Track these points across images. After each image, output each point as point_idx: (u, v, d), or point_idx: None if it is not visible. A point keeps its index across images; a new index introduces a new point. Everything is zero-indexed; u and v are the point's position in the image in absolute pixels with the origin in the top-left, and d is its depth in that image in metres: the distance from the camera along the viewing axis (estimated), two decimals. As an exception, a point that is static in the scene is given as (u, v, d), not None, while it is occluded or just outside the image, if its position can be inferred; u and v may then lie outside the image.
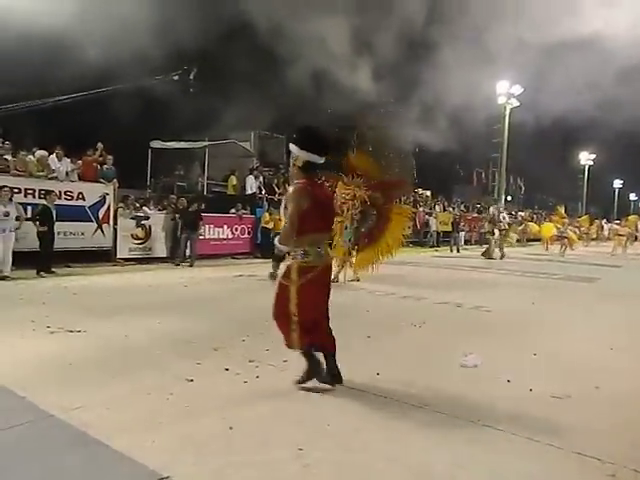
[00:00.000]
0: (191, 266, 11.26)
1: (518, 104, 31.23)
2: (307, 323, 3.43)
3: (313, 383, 3.48)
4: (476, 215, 27.12)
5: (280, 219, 14.35)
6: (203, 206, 12.48)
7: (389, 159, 9.57)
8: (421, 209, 23.51)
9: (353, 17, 19.89)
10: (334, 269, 9.24)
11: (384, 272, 10.79)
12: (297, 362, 4.01)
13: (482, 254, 16.64)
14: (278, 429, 2.82)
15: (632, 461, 2.57)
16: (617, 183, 56.04)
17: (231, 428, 2.78)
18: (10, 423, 2.77)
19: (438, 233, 22.31)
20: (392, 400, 3.29)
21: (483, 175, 44.04)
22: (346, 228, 9.33)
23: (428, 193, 30.76)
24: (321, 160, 3.44)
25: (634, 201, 60.84)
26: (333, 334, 3.62)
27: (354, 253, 9.54)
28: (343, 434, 2.78)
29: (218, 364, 3.96)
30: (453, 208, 25.44)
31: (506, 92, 30.87)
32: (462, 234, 20.53)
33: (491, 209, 21.73)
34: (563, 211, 22.47)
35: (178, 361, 3.99)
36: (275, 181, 17.24)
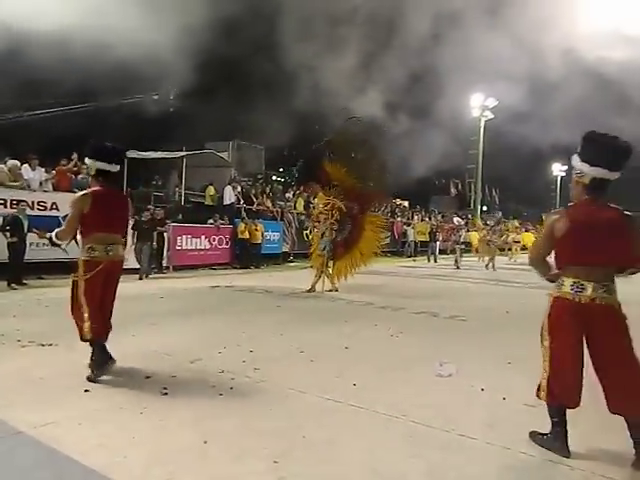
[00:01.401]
0: (141, 279, 10.62)
1: (492, 117, 31.97)
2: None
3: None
4: (452, 225, 27.49)
5: (257, 229, 14.37)
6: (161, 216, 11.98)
7: (364, 169, 9.65)
8: (399, 219, 23.75)
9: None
10: (312, 279, 9.30)
11: (363, 282, 10.86)
12: (275, 374, 4.01)
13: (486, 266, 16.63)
14: (253, 442, 2.80)
15: (601, 467, 2.63)
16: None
17: (205, 442, 2.75)
18: (-23, 441, 2.70)
19: (416, 243, 22.54)
20: (368, 411, 3.30)
21: (460, 186, 44.76)
22: (322, 237, 9.44)
23: (406, 203, 31.12)
24: (115, 168, 3.84)
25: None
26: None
27: (330, 263, 9.61)
28: (319, 446, 2.78)
29: (193, 377, 3.92)
30: (430, 218, 25.72)
31: (480, 105, 31.57)
32: (437, 244, 20.76)
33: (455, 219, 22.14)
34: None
35: (152, 374, 3.92)
36: (253, 191, 17.22)
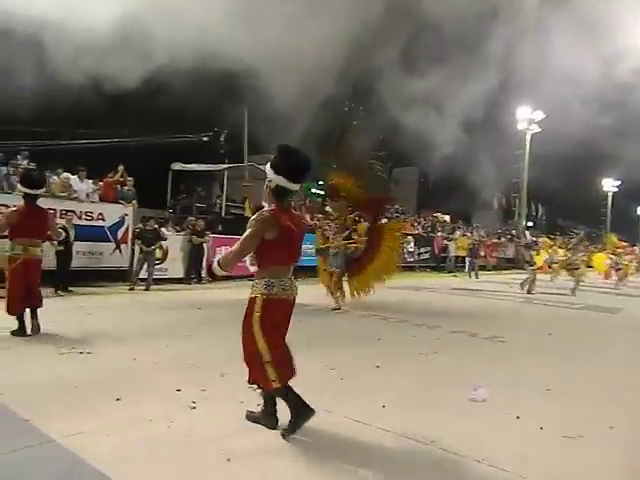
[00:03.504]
0: (147, 290, 10.31)
1: (539, 130, 31.14)
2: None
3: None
4: (496, 241, 26.81)
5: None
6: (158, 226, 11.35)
7: (367, 174, 9.51)
8: (439, 234, 23.36)
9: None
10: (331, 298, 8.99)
11: (399, 297, 10.72)
12: (303, 391, 3.97)
13: (521, 285, 14.13)
14: (277, 461, 2.77)
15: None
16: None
17: (229, 460, 2.74)
18: (11, 447, 2.78)
19: (457, 258, 22.09)
20: (395, 435, 3.21)
21: (504, 200, 43.71)
22: (335, 254, 9.10)
23: (447, 217, 30.65)
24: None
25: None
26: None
27: (344, 280, 9.32)
28: (344, 468, 2.72)
29: (223, 391, 3.94)
30: (472, 233, 25.18)
31: (527, 118, 30.83)
32: (477, 260, 20.19)
33: (528, 234, 20.79)
34: (616, 239, 21.26)
35: (183, 387, 3.96)
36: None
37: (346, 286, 9.34)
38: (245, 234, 3.06)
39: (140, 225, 10.79)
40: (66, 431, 3.00)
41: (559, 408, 3.90)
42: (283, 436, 3.07)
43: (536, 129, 30.99)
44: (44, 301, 5.84)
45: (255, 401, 3.64)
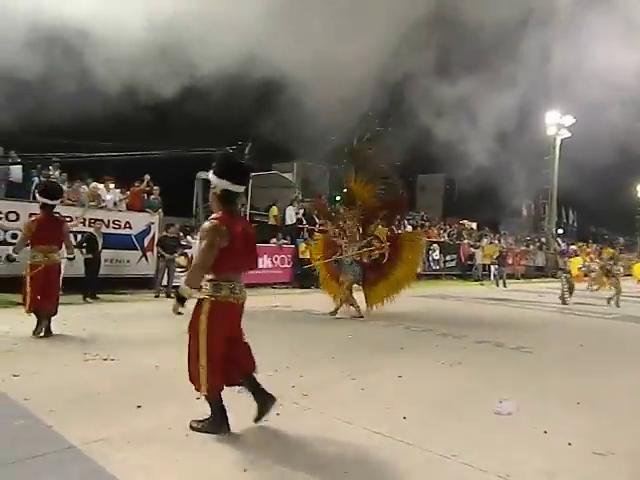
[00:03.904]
0: (168, 297, 10.06)
1: (569, 135, 30.46)
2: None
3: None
4: (524, 249, 26.25)
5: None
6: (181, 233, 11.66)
7: (381, 180, 9.31)
8: (465, 241, 23.02)
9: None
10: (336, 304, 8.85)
11: (424, 306, 10.58)
12: (323, 402, 3.92)
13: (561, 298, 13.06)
14: (293, 474, 2.73)
15: None
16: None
17: (245, 470, 2.72)
18: (32, 453, 2.82)
19: (484, 266, 21.70)
20: (416, 448, 3.12)
21: (533, 207, 42.86)
22: (351, 264, 8.91)
23: (474, 225, 30.17)
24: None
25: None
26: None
27: (359, 288, 9.18)
28: (361, 483, 2.66)
29: (241, 399, 3.91)
30: (499, 241, 24.71)
31: (556, 123, 30.20)
32: (504, 268, 19.78)
33: (561, 242, 20.12)
34: None
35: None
36: (315, 212, 17.35)
37: (357, 295, 9.13)
38: (201, 246, 3.07)
39: (164, 232, 10.92)
40: (87, 438, 3.02)
41: (589, 423, 3.75)
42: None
43: (566, 134, 30.32)
44: (73, 307, 6.05)
45: (274, 410, 3.61)
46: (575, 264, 19.29)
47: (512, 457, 3.06)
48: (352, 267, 8.90)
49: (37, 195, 6.18)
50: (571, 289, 13.25)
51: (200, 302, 3.16)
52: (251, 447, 3.05)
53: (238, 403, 3.81)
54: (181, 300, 3.14)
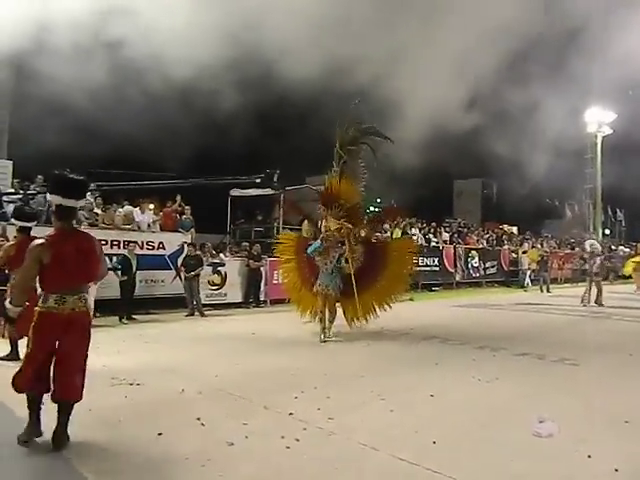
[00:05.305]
0: (202, 315, 10.25)
1: (611, 132, 29.28)
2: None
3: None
4: (569, 251, 25.19)
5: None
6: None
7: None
8: (506, 247, 22.28)
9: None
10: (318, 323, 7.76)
11: (462, 316, 10.21)
12: (349, 425, 3.76)
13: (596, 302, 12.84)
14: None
15: None
16: None
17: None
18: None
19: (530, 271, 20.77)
20: (445, 477, 2.91)
21: (576, 208, 41.26)
22: (331, 273, 7.74)
23: (514, 229, 29.20)
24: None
25: None
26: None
27: (338, 298, 8.00)
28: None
29: (264, 424, 3.80)
30: (541, 244, 23.79)
31: (597, 120, 29.09)
32: (547, 273, 18.93)
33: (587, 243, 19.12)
34: None
35: (225, 420, 3.87)
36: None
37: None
38: (23, 265, 3.32)
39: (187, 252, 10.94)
40: (103, 471, 2.97)
41: (638, 445, 3.42)
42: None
43: (607, 131, 29.14)
44: (110, 330, 5.98)
45: (294, 436, 3.48)
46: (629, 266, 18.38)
47: (551, 487, 2.80)
48: (331, 277, 7.74)
49: (13, 219, 6.36)
50: (599, 293, 12.92)
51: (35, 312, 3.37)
52: (270, 477, 2.92)
53: (258, 425, 3.69)
54: (9, 320, 3.41)
